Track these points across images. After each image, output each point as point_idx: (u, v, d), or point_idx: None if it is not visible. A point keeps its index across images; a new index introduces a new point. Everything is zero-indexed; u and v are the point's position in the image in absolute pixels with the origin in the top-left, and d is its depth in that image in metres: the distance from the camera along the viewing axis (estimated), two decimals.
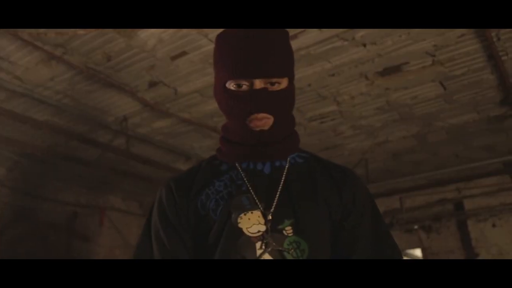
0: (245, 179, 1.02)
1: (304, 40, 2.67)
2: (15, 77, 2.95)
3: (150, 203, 1.10)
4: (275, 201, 0.99)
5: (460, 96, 3.37)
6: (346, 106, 3.49)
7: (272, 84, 0.98)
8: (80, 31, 2.48)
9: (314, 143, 4.16)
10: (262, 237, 0.94)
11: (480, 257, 4.74)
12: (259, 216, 0.97)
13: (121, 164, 4.23)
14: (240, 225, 0.96)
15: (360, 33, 2.63)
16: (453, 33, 2.64)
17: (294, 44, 2.70)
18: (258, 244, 0.94)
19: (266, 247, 0.93)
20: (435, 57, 2.87)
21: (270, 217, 0.96)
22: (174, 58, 2.81)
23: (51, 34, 2.51)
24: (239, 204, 0.98)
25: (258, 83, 0.97)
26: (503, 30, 2.59)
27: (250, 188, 1.01)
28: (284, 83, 1.01)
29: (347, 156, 4.48)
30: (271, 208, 0.98)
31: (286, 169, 1.05)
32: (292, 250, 0.93)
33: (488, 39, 2.66)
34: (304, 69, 2.99)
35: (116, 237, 5.21)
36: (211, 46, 2.15)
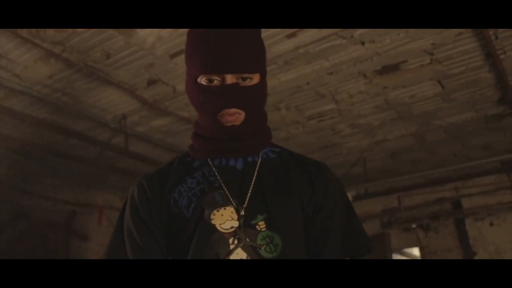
0: (217, 175, 1.02)
1: (303, 38, 2.68)
2: (14, 74, 2.95)
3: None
4: (248, 196, 0.98)
5: (458, 94, 3.38)
6: (344, 104, 3.50)
7: (244, 79, 0.98)
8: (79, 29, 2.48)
9: (313, 141, 4.17)
10: (235, 233, 0.94)
11: (477, 256, 4.76)
12: (232, 212, 0.97)
13: (120, 162, 4.24)
14: (213, 222, 0.96)
15: (359, 32, 2.64)
16: (451, 32, 2.65)
17: (293, 42, 2.71)
18: (231, 240, 0.94)
19: (238, 242, 0.93)
20: (433, 55, 2.88)
21: (243, 213, 0.96)
22: (173, 56, 2.82)
23: (50, 31, 2.51)
24: (211, 200, 0.98)
25: (230, 78, 0.96)
26: (500, 29, 2.60)
27: (222, 184, 1.00)
28: (256, 78, 1.00)
29: (345, 154, 4.49)
30: (244, 203, 0.97)
31: (258, 164, 1.04)
32: (265, 246, 0.94)
33: (486, 38, 2.67)
34: (302, 68, 2.99)
35: None
36: None
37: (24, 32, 2.51)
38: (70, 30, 2.51)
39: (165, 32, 2.57)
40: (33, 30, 2.48)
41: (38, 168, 4.41)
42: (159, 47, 2.73)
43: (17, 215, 4.50)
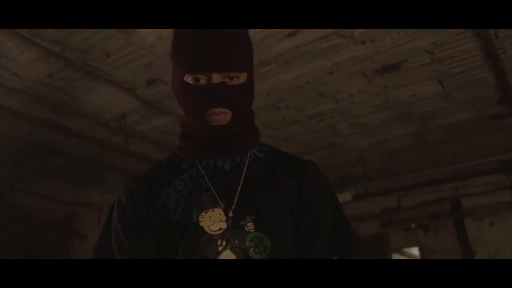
0: (205, 176, 1.01)
1: (303, 37, 2.68)
2: (13, 73, 2.94)
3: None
4: (236, 197, 0.98)
5: (458, 94, 3.38)
6: (344, 104, 3.50)
7: (231, 78, 0.97)
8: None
9: (312, 141, 4.16)
10: (223, 235, 0.94)
11: (477, 256, 4.76)
12: (220, 214, 0.96)
13: (120, 161, 4.23)
14: (201, 224, 0.95)
15: (359, 31, 2.63)
16: (452, 31, 2.65)
17: (293, 41, 2.71)
18: (220, 242, 0.93)
19: (226, 244, 0.92)
20: (433, 55, 2.88)
21: (231, 214, 0.95)
22: None
23: (50, 30, 2.51)
24: (200, 202, 0.97)
25: (216, 77, 0.95)
26: (501, 29, 2.60)
27: (210, 185, 0.99)
28: (242, 77, 0.99)
29: (345, 154, 4.49)
30: (232, 205, 0.97)
31: (246, 164, 1.03)
32: (253, 247, 0.93)
33: (486, 37, 2.67)
34: (302, 67, 2.99)
35: None
36: None
37: (23, 31, 2.50)
38: (69, 29, 2.51)
39: (165, 31, 2.57)
40: (33, 29, 2.48)
41: (37, 167, 4.40)
42: (159, 46, 2.72)
43: (16, 215, 4.50)
